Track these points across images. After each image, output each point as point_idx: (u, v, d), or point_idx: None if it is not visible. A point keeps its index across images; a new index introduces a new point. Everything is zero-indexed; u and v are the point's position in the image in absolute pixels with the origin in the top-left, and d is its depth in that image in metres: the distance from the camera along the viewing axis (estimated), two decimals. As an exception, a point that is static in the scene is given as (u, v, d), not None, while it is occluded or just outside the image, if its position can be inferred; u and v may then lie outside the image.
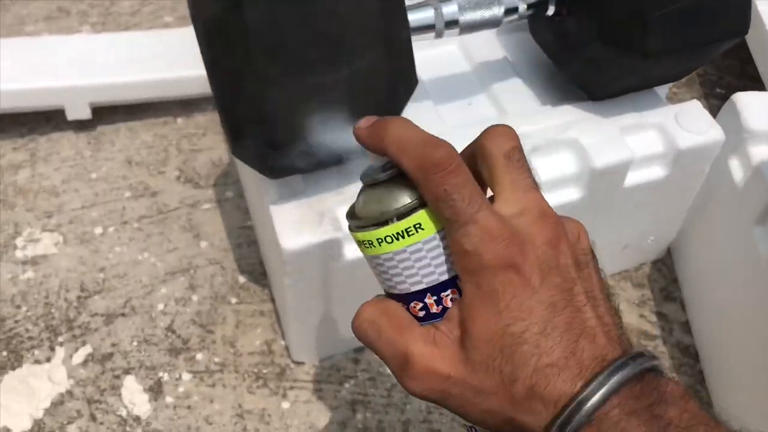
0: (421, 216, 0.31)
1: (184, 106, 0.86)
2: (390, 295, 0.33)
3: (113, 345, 0.67)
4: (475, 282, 0.29)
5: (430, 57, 0.67)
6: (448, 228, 0.30)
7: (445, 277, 0.31)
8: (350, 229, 0.33)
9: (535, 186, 0.31)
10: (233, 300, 0.70)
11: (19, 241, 0.74)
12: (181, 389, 0.64)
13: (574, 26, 0.56)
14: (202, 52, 0.48)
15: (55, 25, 0.96)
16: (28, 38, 0.93)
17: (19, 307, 0.69)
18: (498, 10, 0.55)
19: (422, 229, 0.31)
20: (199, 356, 0.66)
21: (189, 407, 0.63)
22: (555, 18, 0.58)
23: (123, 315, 0.69)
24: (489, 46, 0.68)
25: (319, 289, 0.58)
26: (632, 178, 0.60)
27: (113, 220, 0.76)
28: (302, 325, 0.61)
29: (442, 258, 0.31)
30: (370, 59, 0.46)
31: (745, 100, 0.63)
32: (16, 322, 0.68)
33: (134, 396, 0.64)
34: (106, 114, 0.85)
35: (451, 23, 0.54)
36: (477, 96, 0.64)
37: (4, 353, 0.66)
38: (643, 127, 0.61)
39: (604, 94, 0.60)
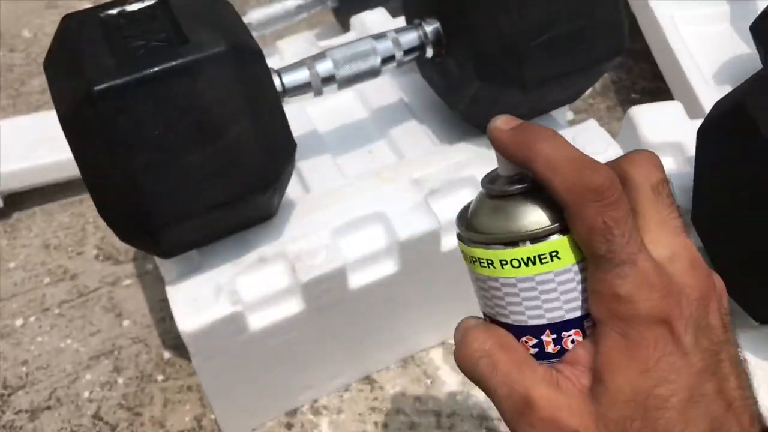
0: (561, 243, 0.27)
1: (100, 180, 0.84)
2: (495, 322, 0.29)
3: (39, 442, 0.65)
4: (622, 331, 0.26)
5: (328, 108, 0.66)
6: (596, 264, 0.26)
7: (574, 315, 0.27)
8: (463, 240, 0.29)
9: (684, 228, 0.28)
10: (159, 377, 0.68)
11: (-63, 345, 0.72)
12: (112, 479, 0.62)
13: (455, 66, 0.56)
14: (70, 147, 0.47)
15: (-35, 113, 0.95)
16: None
17: (-61, 414, 0.67)
18: (374, 61, 0.54)
19: (558, 258, 0.27)
20: (128, 442, 0.64)
21: (121, 497, 0.61)
22: (436, 59, 0.58)
23: (48, 408, 0.67)
24: (385, 89, 0.67)
25: (232, 363, 0.56)
26: (537, 206, 0.60)
27: (33, 309, 0.74)
28: (225, 399, 0.60)
29: (575, 294, 0.27)
30: (236, 132, 0.45)
31: (640, 114, 0.63)
32: (-63, 431, 0.66)
33: (64, 493, 0.62)
34: (20, 200, 0.83)
35: (328, 80, 0.53)
36: (376, 143, 0.64)
37: (-74, 466, 0.64)
38: (540, 154, 0.60)
39: (495, 128, 0.60)
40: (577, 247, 0.27)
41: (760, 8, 0.70)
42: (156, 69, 0.43)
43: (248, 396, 0.61)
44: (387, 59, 0.55)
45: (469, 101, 0.56)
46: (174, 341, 0.70)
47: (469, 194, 0.58)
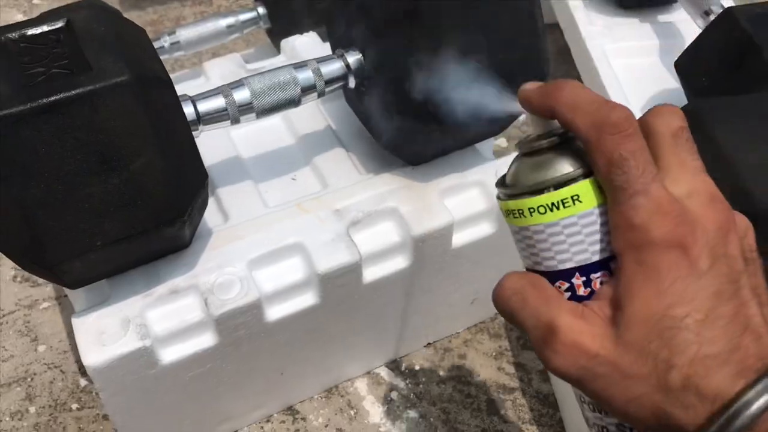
0: (581, 187, 0.29)
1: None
2: (533, 272, 0.32)
3: (-59, 475, 0.62)
4: (638, 258, 0.28)
5: (253, 132, 0.65)
6: (614, 198, 0.28)
7: (598, 257, 0.30)
8: (498, 197, 0.32)
9: (704, 169, 0.30)
10: (74, 406, 0.66)
11: None
12: None
13: (377, 98, 0.55)
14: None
15: None
16: None
17: None
18: (294, 91, 0.53)
19: (580, 201, 0.29)
20: (36, 475, 0.62)
21: None
22: (360, 89, 0.57)
23: (-46, 439, 0.64)
24: (312, 115, 0.66)
25: (144, 396, 0.54)
26: (460, 238, 0.60)
27: (-56, 332, 0.71)
28: None
29: (598, 236, 0.29)
30: (140, 164, 0.44)
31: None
32: None
33: None
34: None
35: (246, 109, 0.52)
36: (301, 170, 0.63)
37: None
38: (464, 186, 0.60)
39: (418, 160, 0.59)
40: (597, 190, 0.29)
41: (688, 43, 0.72)
42: (53, 98, 0.41)
43: (163, 430, 0.59)
44: (307, 89, 0.54)
45: (390, 133, 0.56)
46: (90, 369, 0.68)
47: (391, 226, 0.57)
